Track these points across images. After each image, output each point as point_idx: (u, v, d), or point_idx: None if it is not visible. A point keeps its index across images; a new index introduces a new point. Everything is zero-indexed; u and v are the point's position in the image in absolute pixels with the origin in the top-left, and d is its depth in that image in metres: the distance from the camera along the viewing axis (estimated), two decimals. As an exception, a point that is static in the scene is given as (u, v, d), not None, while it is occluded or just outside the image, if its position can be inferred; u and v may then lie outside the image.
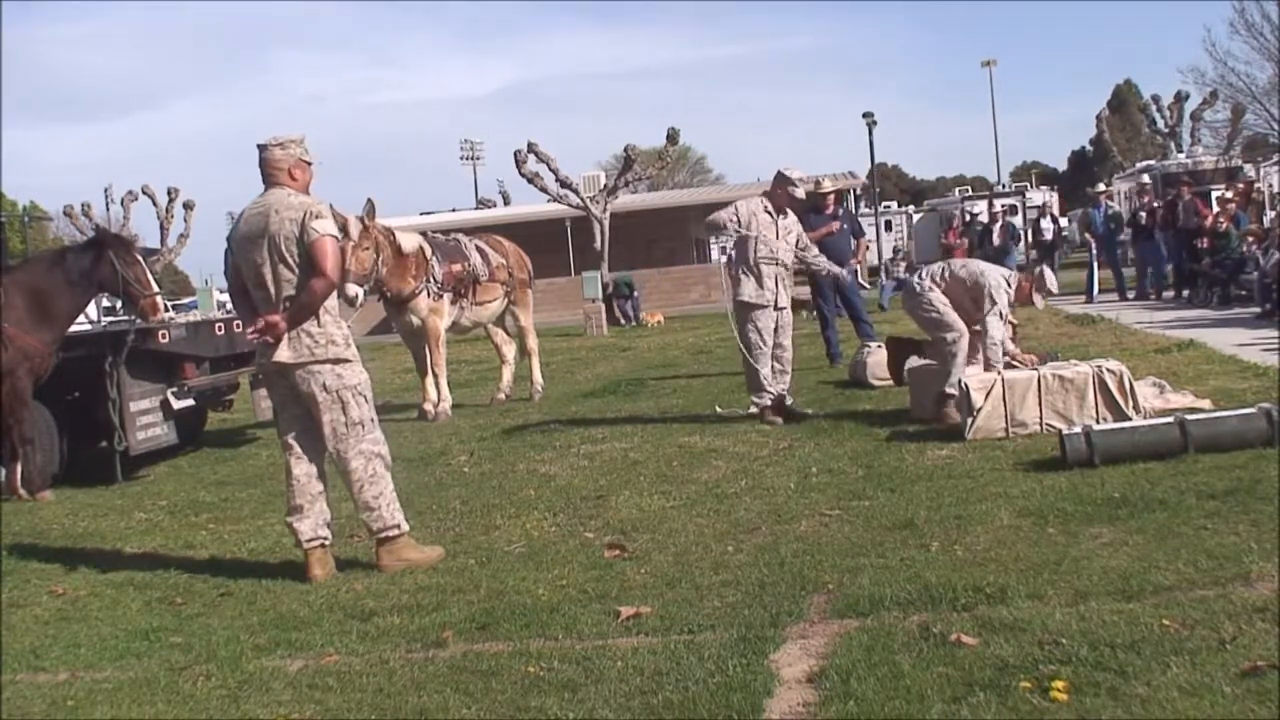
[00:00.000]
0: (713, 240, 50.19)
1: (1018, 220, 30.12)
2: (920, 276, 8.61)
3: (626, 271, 31.35)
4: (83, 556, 6.35)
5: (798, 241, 9.20)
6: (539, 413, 10.86)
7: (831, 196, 12.98)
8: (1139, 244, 20.79)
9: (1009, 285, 8.08)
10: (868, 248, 23.07)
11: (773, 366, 8.95)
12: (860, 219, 19.73)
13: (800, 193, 9.14)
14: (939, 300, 8.16)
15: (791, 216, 9.23)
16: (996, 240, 22.51)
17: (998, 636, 3.74)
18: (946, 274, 8.31)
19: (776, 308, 8.99)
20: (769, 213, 9.03)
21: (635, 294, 29.50)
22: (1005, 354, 7.90)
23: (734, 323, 9.16)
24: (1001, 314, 7.97)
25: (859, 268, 16.20)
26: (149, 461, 9.65)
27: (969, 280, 8.14)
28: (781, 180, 9.11)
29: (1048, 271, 8.79)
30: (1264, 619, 3.66)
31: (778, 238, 8.99)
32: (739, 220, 8.98)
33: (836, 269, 9.97)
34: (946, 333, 8.13)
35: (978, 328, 8.08)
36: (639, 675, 3.77)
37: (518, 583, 5.01)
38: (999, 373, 7.49)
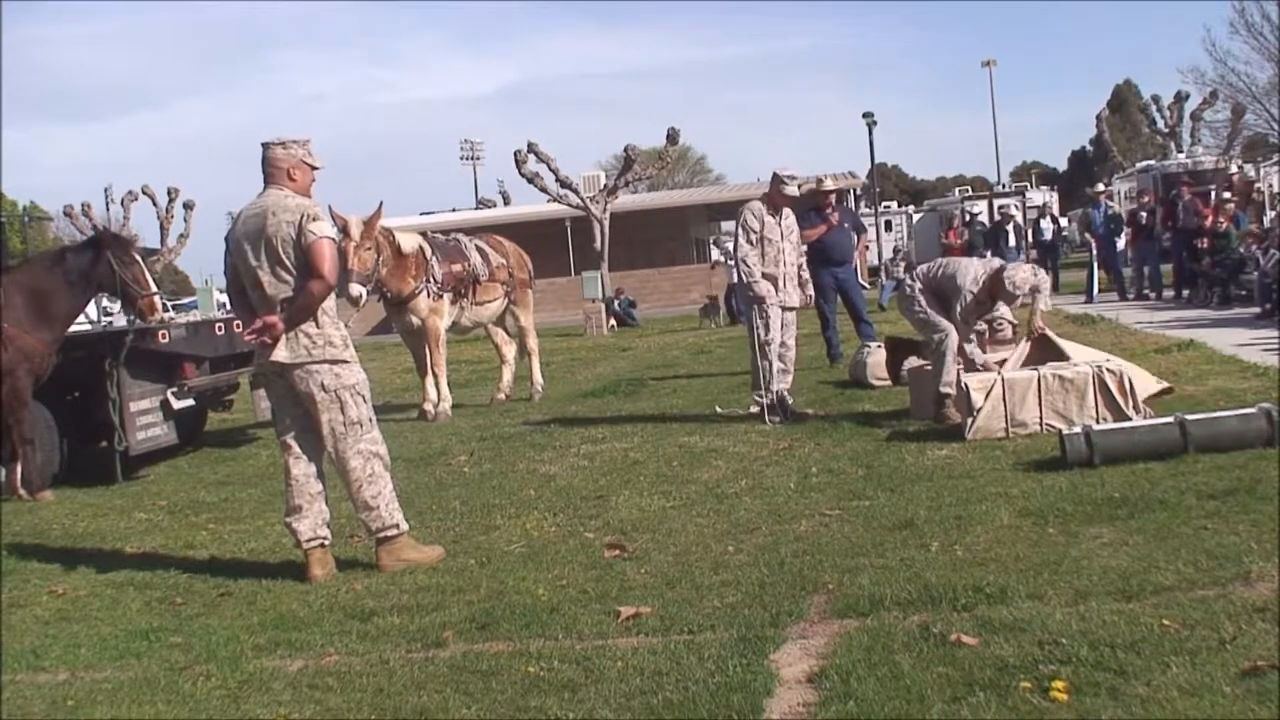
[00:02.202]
0: (712, 240, 50.26)
1: (1017, 220, 30.00)
2: (912, 278, 8.69)
3: (626, 275, 31.40)
4: (83, 556, 6.35)
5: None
6: (539, 413, 10.87)
7: (832, 195, 13.03)
8: (1138, 243, 20.81)
9: (975, 281, 8.07)
10: (867, 247, 23.04)
11: (777, 365, 8.99)
12: (862, 218, 19.75)
13: (793, 190, 9.17)
14: (925, 301, 8.26)
15: (790, 217, 9.28)
16: (1012, 241, 22.60)
17: (998, 636, 3.74)
18: (932, 273, 8.42)
19: (786, 307, 9.06)
20: (771, 214, 9.10)
21: (634, 309, 29.72)
22: (969, 356, 7.94)
23: (746, 319, 9.18)
24: (961, 311, 8.00)
25: (859, 266, 16.20)
26: (149, 461, 9.65)
27: (947, 279, 8.23)
28: (775, 180, 9.22)
29: (1013, 270, 8.06)
30: (1264, 619, 3.66)
31: (782, 238, 9.08)
32: (760, 222, 9.01)
33: (813, 296, 9.97)
34: (933, 333, 8.23)
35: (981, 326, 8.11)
36: (639, 675, 3.77)
37: (518, 583, 5.01)
38: (999, 373, 7.50)
